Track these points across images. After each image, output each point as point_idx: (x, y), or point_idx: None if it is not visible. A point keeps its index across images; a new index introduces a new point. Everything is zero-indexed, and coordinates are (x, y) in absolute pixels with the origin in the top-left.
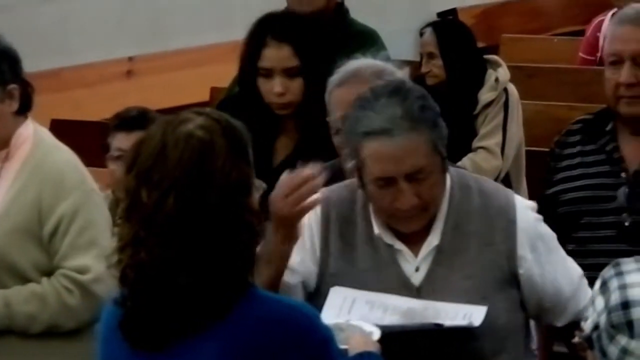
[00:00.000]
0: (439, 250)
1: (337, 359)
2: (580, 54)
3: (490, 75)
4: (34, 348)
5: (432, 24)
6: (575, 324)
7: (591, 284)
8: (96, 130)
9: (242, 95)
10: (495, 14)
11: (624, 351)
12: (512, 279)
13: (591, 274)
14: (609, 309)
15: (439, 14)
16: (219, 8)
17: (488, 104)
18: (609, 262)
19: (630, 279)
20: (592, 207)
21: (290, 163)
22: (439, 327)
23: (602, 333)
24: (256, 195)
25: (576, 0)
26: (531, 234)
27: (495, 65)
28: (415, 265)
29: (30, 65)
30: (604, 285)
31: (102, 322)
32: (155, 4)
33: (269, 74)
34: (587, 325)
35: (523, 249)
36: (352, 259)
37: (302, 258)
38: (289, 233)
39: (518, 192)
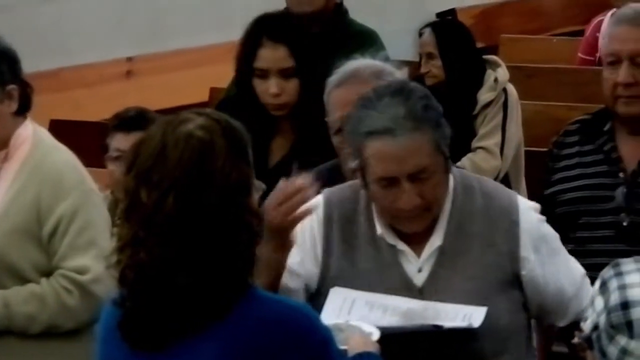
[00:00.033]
0: (441, 251)
1: None
2: (580, 54)
3: (490, 75)
4: (33, 348)
5: (431, 25)
6: (575, 324)
7: (589, 284)
8: (95, 130)
9: (239, 96)
10: (494, 14)
11: (624, 351)
12: (515, 280)
13: (590, 274)
14: (608, 309)
15: (438, 14)
16: (218, 8)
17: (487, 104)
18: (607, 262)
19: (629, 279)
20: (591, 207)
21: (286, 164)
22: (438, 328)
23: (602, 333)
24: (256, 196)
25: (576, 1)
26: (534, 235)
27: (495, 65)
28: (417, 266)
29: (29, 65)
30: (604, 285)
31: (101, 323)
32: (154, 5)
33: (264, 74)
34: (586, 326)
35: (526, 250)
36: (354, 259)
37: (302, 259)
38: (282, 242)
39: (517, 192)
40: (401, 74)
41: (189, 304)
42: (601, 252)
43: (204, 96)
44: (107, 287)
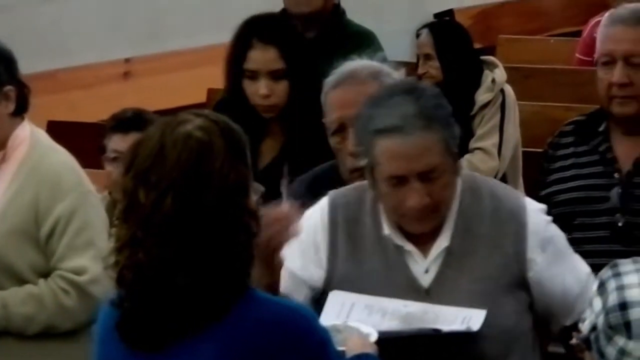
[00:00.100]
0: (448, 252)
1: None
2: (577, 55)
3: (487, 76)
4: (31, 349)
5: (428, 25)
6: (572, 325)
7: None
8: (93, 131)
9: (229, 97)
10: (492, 14)
11: (622, 352)
12: (521, 282)
13: None
14: (606, 310)
15: (436, 15)
16: (216, 9)
17: (485, 105)
18: (602, 262)
19: (627, 280)
20: (586, 208)
21: (276, 166)
22: (437, 332)
23: (600, 334)
24: (254, 197)
25: (574, 1)
26: (541, 237)
27: (492, 66)
28: (424, 266)
29: (26, 66)
30: (602, 286)
31: (99, 323)
32: (152, 5)
33: (254, 76)
34: (584, 326)
35: (533, 252)
36: (360, 260)
37: (304, 264)
38: (266, 271)
39: None
40: (399, 75)
41: (187, 304)
42: (596, 253)
43: (201, 97)
44: (105, 288)
